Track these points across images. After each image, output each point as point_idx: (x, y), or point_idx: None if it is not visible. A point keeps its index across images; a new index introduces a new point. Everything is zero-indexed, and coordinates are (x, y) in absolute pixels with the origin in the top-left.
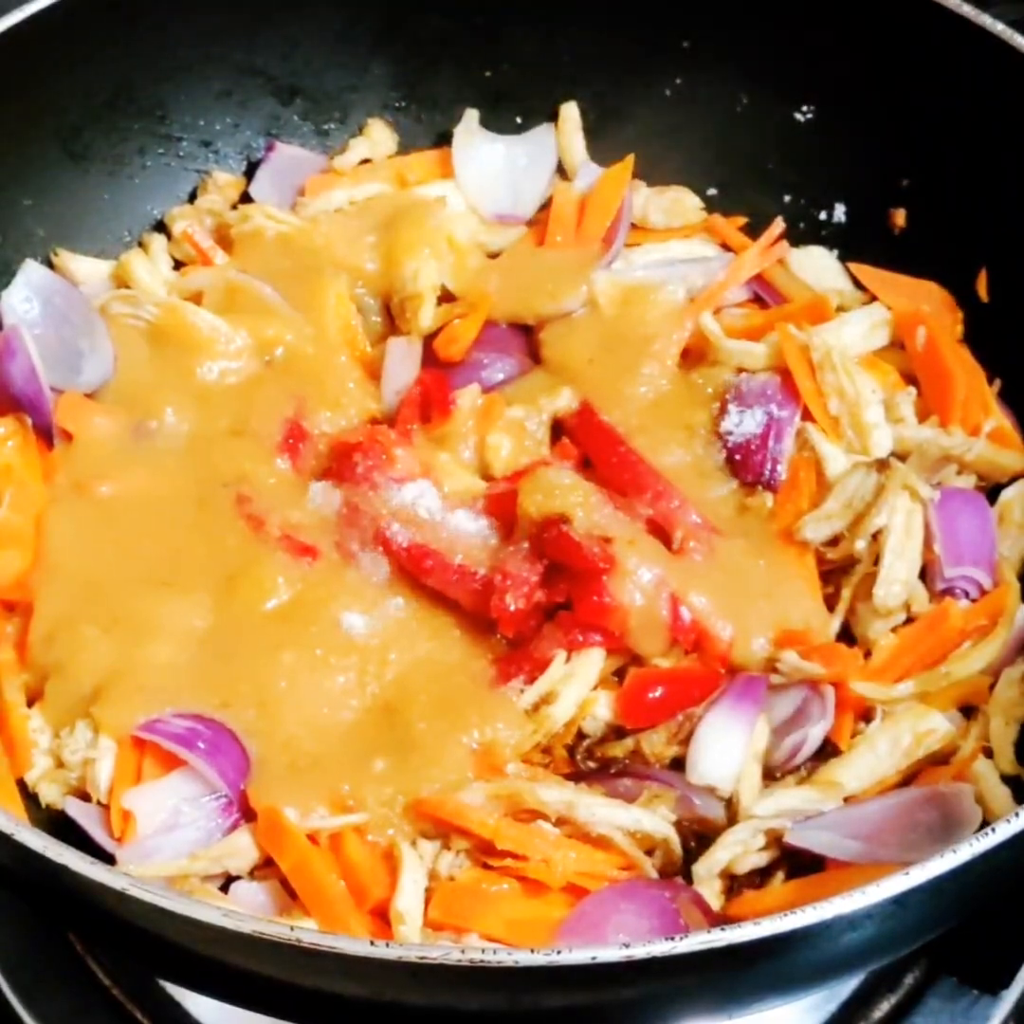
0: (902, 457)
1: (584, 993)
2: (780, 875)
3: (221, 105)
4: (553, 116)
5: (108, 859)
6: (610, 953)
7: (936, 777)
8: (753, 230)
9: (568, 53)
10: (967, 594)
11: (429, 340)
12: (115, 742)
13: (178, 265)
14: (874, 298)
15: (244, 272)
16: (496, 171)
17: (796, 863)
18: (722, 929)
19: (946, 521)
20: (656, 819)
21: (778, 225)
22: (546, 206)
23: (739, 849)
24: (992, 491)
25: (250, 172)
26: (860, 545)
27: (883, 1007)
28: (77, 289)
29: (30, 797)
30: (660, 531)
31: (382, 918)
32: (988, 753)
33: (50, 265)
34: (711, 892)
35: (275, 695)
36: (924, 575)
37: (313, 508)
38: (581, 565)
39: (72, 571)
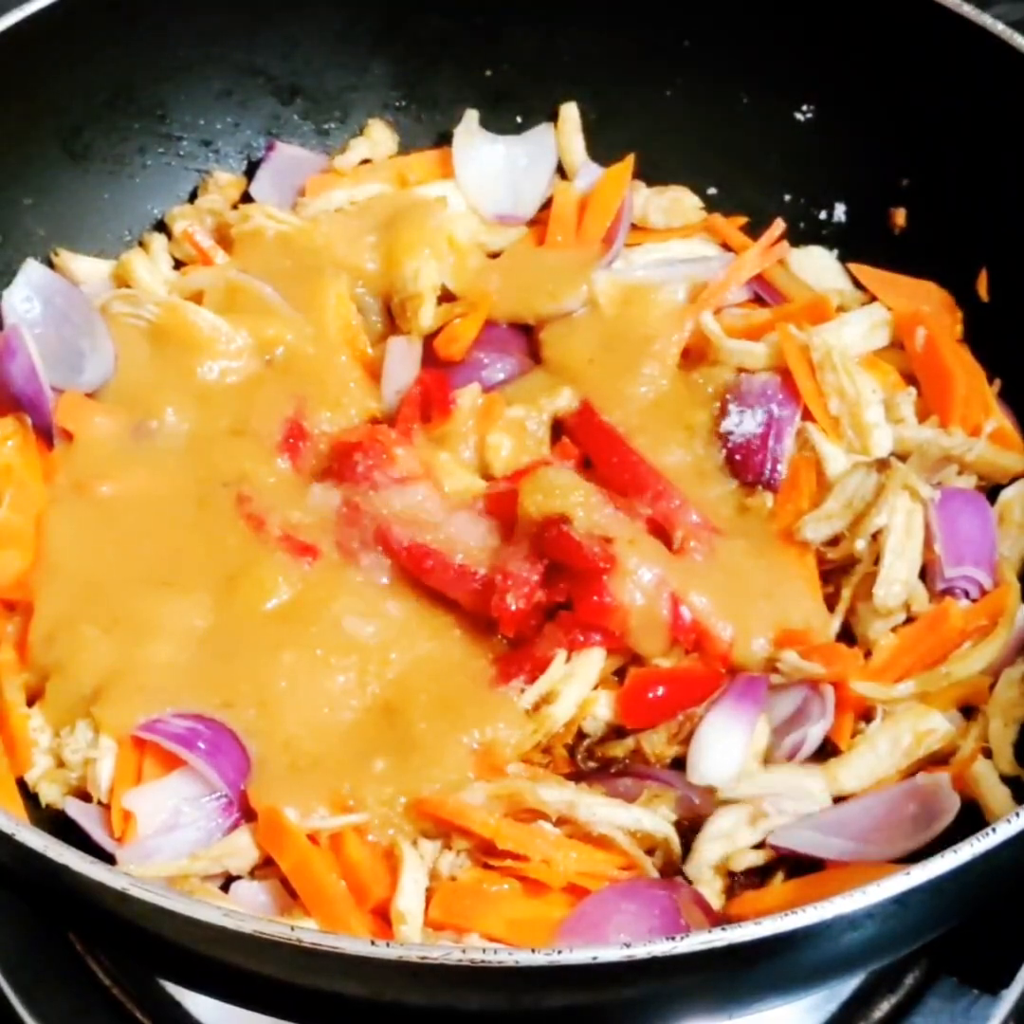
0: (902, 457)
1: (585, 993)
2: (780, 875)
3: (221, 105)
4: (553, 116)
5: (108, 859)
6: (611, 953)
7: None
8: (753, 230)
9: (568, 53)
10: (967, 594)
11: (429, 340)
12: (115, 742)
13: (178, 265)
14: (874, 298)
15: (244, 272)
16: (496, 171)
17: (796, 863)
18: (723, 929)
19: (946, 521)
20: (656, 819)
21: (778, 225)
22: (546, 206)
23: (726, 842)
24: (992, 491)
25: (250, 172)
26: (860, 545)
27: (883, 1007)
28: (78, 289)
29: (30, 797)
30: (660, 531)
31: (383, 918)
32: (988, 753)
33: (50, 265)
34: (712, 892)
35: (275, 695)
36: (924, 575)
37: (313, 508)
38: (581, 565)
39: (72, 571)
